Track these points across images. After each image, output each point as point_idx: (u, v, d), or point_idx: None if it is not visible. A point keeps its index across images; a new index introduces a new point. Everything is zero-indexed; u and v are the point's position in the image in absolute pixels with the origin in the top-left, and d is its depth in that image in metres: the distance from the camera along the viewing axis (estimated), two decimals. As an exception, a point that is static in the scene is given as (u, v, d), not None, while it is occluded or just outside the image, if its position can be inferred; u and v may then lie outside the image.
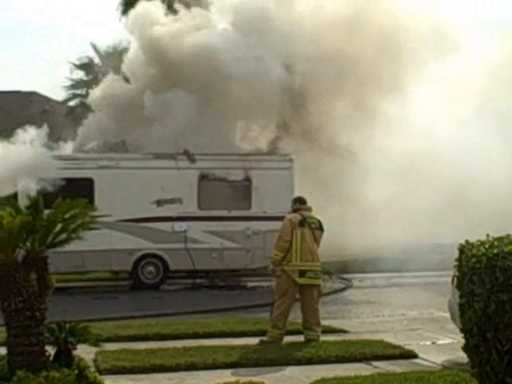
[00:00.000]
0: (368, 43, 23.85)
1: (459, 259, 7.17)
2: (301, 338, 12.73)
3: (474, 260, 6.84)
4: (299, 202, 12.85)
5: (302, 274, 12.27)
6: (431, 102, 25.38)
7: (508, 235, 7.08)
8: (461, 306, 7.11)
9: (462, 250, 7.17)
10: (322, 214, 13.22)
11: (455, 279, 7.38)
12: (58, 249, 9.22)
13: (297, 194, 15.34)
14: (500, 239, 6.96)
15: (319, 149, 23.84)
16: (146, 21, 23.98)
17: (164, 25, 24.03)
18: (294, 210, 12.77)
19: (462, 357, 7.70)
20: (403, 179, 23.53)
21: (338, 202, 22.88)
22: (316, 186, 21.51)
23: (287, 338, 12.77)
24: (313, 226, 12.48)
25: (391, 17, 24.16)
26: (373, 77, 23.83)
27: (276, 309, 12.42)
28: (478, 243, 7.00)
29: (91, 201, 19.30)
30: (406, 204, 23.43)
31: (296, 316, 16.35)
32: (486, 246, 6.86)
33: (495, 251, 6.68)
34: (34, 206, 8.88)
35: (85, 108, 40.03)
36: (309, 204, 12.84)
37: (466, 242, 7.20)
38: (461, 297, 7.11)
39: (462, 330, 7.20)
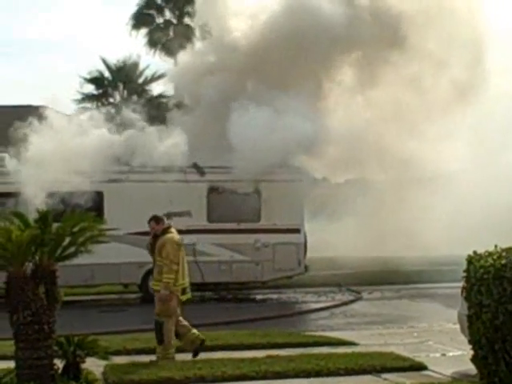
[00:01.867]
0: None
1: (467, 270, 7.15)
2: (309, 351, 12.70)
3: (481, 271, 6.83)
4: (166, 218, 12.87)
5: (183, 291, 12.21)
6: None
7: (517, 246, 7.07)
8: (469, 317, 7.09)
9: (470, 260, 7.15)
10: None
11: (464, 290, 7.36)
12: (67, 262, 9.25)
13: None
14: (508, 250, 6.93)
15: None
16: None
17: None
18: (167, 228, 12.62)
19: (472, 369, 7.68)
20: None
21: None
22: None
23: (296, 351, 12.73)
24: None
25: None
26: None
27: (169, 331, 12.11)
28: (486, 254, 6.99)
29: (101, 214, 19.37)
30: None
31: (305, 329, 16.35)
32: (494, 256, 6.85)
33: (503, 262, 6.67)
34: (43, 219, 8.91)
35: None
36: None
37: (474, 252, 7.18)
38: (469, 308, 7.09)
39: (470, 342, 7.17)
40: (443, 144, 23.76)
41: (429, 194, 24.44)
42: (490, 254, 6.94)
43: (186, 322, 12.37)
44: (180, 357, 12.26)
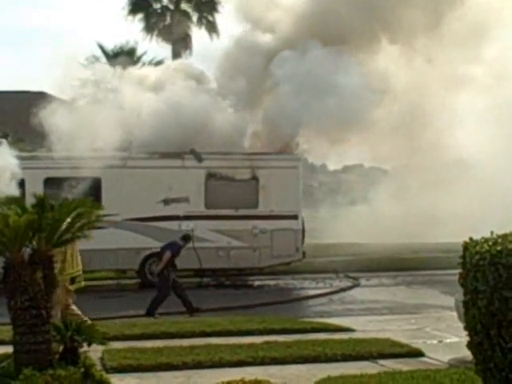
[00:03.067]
0: None
1: (463, 256, 7.16)
2: (307, 337, 12.74)
3: (477, 257, 6.84)
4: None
5: (73, 280, 11.90)
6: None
7: (512, 232, 7.08)
8: (465, 303, 7.11)
9: (465, 247, 7.16)
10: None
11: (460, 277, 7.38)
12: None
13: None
14: (504, 236, 6.95)
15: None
16: None
17: None
18: None
19: (469, 355, 7.70)
20: None
21: None
22: None
23: (293, 337, 12.79)
24: None
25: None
26: None
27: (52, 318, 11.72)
28: (482, 240, 7.00)
29: (98, 200, 19.39)
30: None
31: (303, 315, 16.42)
32: (490, 243, 6.86)
33: (499, 248, 6.67)
34: (40, 204, 8.91)
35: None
36: None
37: (470, 239, 7.20)
38: (465, 294, 7.11)
39: (465, 328, 7.20)
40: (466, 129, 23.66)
41: (452, 178, 24.45)
42: (486, 240, 6.95)
43: (78, 312, 11.99)
44: (178, 342, 12.31)
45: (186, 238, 18.02)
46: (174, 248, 17.25)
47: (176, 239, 17.85)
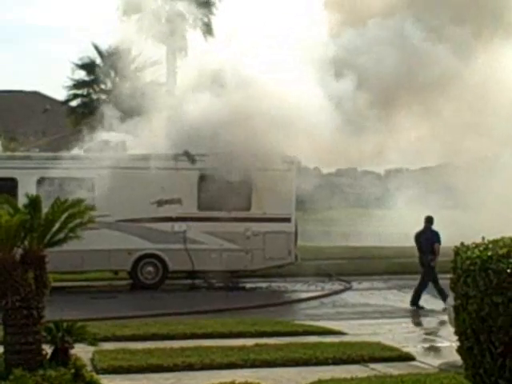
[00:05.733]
0: None
1: (454, 261, 7.19)
2: (298, 340, 12.75)
3: (468, 262, 6.86)
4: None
5: None
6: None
7: (503, 238, 7.10)
8: (455, 308, 7.14)
9: (456, 252, 7.19)
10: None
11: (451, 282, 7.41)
12: (57, 248, 9.26)
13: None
14: (495, 242, 6.98)
15: None
16: None
17: None
18: None
19: (459, 360, 7.73)
20: None
21: None
22: None
23: (285, 340, 12.80)
24: None
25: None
26: None
27: None
28: (473, 246, 7.03)
29: (91, 200, 19.36)
30: None
31: (294, 318, 16.42)
32: (481, 248, 6.89)
33: (489, 254, 6.70)
34: (33, 204, 8.91)
35: (85, 108, 40.17)
36: None
37: (461, 244, 7.22)
38: (455, 299, 7.14)
39: (456, 333, 7.22)
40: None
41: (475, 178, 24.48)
42: (477, 245, 6.98)
43: None
44: (169, 344, 12.31)
45: (430, 220, 18.36)
46: (437, 236, 17.82)
47: (428, 226, 18.27)
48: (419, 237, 18.22)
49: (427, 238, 18.01)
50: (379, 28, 22.55)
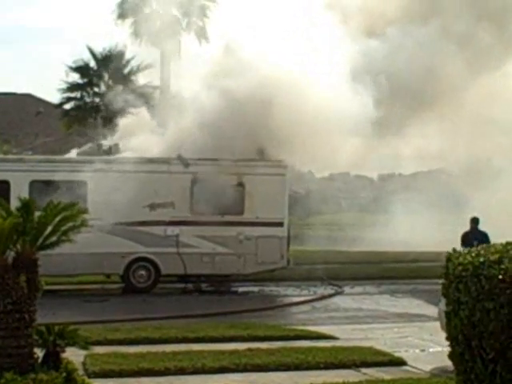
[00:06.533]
0: None
1: (446, 267, 7.21)
2: (290, 344, 12.75)
3: (460, 268, 6.88)
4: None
5: None
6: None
7: (494, 244, 7.13)
8: (447, 313, 7.15)
9: (448, 258, 7.21)
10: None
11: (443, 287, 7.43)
12: (50, 251, 9.24)
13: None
14: (486, 248, 7.00)
15: None
16: None
17: None
18: None
19: (451, 365, 7.75)
20: None
21: None
22: None
23: (277, 344, 12.80)
24: None
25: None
26: None
27: None
28: (465, 251, 7.05)
29: (84, 203, 19.34)
30: None
31: (286, 322, 16.42)
32: (473, 254, 6.91)
33: (481, 260, 6.72)
34: (25, 207, 8.90)
35: (78, 111, 40.13)
36: None
37: (453, 250, 7.25)
38: (447, 305, 7.16)
39: (447, 338, 7.24)
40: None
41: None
42: (469, 251, 7.01)
43: None
44: (161, 348, 12.30)
45: (476, 220, 18.32)
46: (486, 236, 17.72)
47: (475, 227, 18.21)
48: (466, 237, 18.09)
49: (476, 238, 17.80)
50: (401, 34, 22.53)
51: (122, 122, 23.99)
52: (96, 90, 41.19)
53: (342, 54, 21.52)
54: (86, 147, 22.87)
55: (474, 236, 17.86)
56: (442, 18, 22.86)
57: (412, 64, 21.92)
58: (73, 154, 23.92)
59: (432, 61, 21.96)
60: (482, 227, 18.29)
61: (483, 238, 17.67)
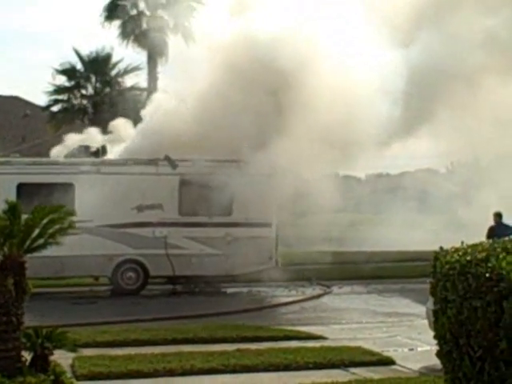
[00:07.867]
0: None
1: (434, 266, 7.23)
2: (279, 345, 12.75)
3: (447, 267, 6.90)
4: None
5: None
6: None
7: (482, 242, 7.16)
8: (435, 312, 7.17)
9: (436, 256, 7.23)
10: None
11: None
12: (38, 254, 9.22)
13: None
14: (474, 246, 7.03)
15: None
16: None
17: None
18: None
19: (440, 364, 7.76)
20: None
21: None
22: None
23: (265, 345, 12.80)
24: None
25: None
26: None
27: None
28: (452, 250, 7.07)
29: (72, 206, 19.29)
30: None
31: (275, 322, 16.43)
32: (460, 253, 6.93)
33: (468, 258, 6.74)
34: (12, 210, 8.88)
35: (66, 113, 40.03)
36: None
37: (441, 248, 7.27)
38: (435, 303, 7.18)
39: (435, 337, 7.26)
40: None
41: None
42: (456, 250, 7.03)
43: None
44: (149, 349, 12.28)
45: (499, 215, 18.54)
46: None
47: (499, 221, 18.42)
48: (493, 231, 18.13)
49: (503, 231, 17.77)
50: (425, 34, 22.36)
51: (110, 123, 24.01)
52: (83, 92, 41.12)
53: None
54: (73, 149, 22.82)
55: (500, 229, 17.98)
56: (465, 16, 22.70)
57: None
58: (56, 150, 23.93)
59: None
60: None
61: (508, 230, 17.77)
